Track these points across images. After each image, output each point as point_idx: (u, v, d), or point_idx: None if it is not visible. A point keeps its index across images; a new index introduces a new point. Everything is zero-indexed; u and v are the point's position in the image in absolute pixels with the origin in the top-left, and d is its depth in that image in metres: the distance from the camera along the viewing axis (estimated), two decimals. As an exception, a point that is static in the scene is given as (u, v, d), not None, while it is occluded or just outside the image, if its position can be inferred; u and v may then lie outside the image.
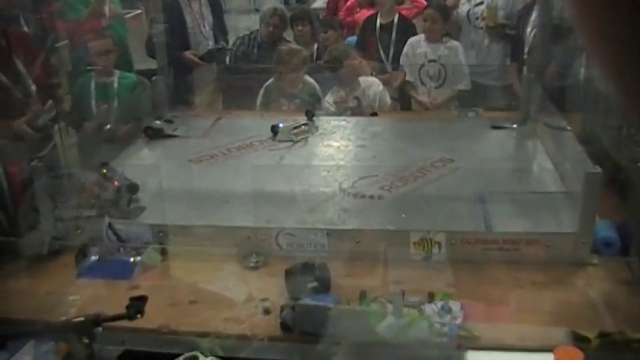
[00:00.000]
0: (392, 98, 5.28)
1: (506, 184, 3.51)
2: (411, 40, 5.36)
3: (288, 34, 6.02)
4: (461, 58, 5.27)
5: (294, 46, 5.44)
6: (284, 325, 2.46)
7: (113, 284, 2.84)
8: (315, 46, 5.86)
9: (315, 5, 8.93)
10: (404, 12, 5.83)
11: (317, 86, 5.11)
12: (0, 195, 3.45)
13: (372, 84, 5.11)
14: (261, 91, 5.17)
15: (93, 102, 4.70)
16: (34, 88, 3.98)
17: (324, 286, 2.66)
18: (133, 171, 3.47)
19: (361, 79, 5.12)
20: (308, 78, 5.10)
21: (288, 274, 2.71)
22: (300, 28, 5.88)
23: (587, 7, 0.52)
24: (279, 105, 5.05)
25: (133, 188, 3.31)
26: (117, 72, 4.81)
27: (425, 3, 5.90)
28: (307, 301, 2.48)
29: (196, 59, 5.69)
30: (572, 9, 0.53)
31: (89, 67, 4.79)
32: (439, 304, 2.52)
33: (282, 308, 2.50)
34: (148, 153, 4.18)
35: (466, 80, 5.27)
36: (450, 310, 2.48)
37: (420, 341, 2.40)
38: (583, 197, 2.84)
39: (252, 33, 5.95)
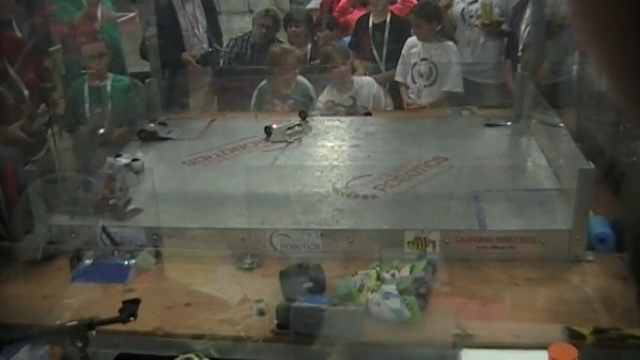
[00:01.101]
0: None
1: (500, 182, 3.51)
2: (409, 40, 5.36)
3: (282, 36, 6.03)
4: (452, 59, 5.25)
5: (286, 46, 5.44)
6: (280, 326, 2.46)
7: (108, 288, 2.84)
8: (309, 46, 5.86)
9: (310, 6, 8.93)
10: (396, 11, 5.82)
11: (310, 86, 5.11)
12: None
13: (366, 84, 5.11)
14: (255, 93, 5.17)
15: (87, 105, 4.69)
16: (26, 93, 3.97)
17: (318, 287, 2.66)
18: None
19: (355, 78, 5.11)
20: (301, 78, 5.10)
21: (283, 275, 2.71)
22: (293, 29, 5.88)
23: (587, 3, 0.52)
24: (272, 106, 5.04)
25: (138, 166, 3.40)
26: (110, 75, 4.79)
27: (415, 2, 5.89)
28: (301, 303, 2.48)
29: (193, 61, 5.69)
30: (572, 5, 0.53)
31: (83, 71, 4.78)
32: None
33: (278, 309, 2.49)
34: (142, 155, 4.17)
35: (457, 82, 5.23)
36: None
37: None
38: (577, 194, 2.85)
39: (245, 35, 5.94)
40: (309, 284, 2.64)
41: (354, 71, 5.25)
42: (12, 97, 3.92)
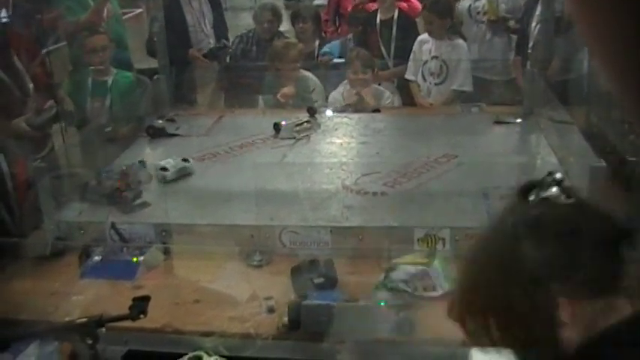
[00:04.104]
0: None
1: (510, 179, 3.47)
2: (420, 37, 5.33)
3: (290, 33, 6.03)
4: (462, 57, 5.22)
5: (289, 40, 5.44)
6: (291, 323, 2.44)
7: (117, 284, 2.83)
8: (317, 42, 5.86)
9: (317, 2, 8.92)
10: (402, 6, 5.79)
11: (316, 81, 5.10)
12: (4, 195, 3.45)
13: (381, 93, 5.08)
14: (262, 88, 5.19)
15: (89, 99, 4.69)
16: (31, 86, 3.97)
17: (330, 283, 2.65)
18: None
19: (369, 89, 5.04)
20: (304, 72, 5.11)
21: (295, 271, 2.70)
22: (301, 25, 5.88)
23: (589, 8, 0.51)
24: (278, 101, 5.02)
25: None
26: (114, 70, 4.79)
27: (419, 6, 5.80)
28: (312, 300, 2.47)
29: (201, 57, 5.69)
30: (574, 10, 0.52)
31: (91, 67, 4.77)
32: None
33: (290, 307, 2.47)
34: (150, 152, 4.17)
35: (466, 80, 5.20)
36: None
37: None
38: (587, 191, 2.82)
39: (250, 31, 5.94)
40: (320, 280, 2.63)
41: (374, 81, 5.19)
42: (17, 90, 3.92)
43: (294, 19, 5.95)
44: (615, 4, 0.49)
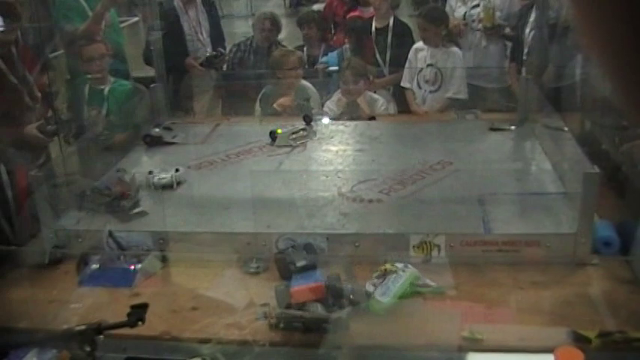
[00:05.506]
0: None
1: (505, 186, 3.51)
2: (415, 45, 5.37)
3: (295, 37, 6.09)
4: (458, 65, 5.25)
5: (287, 48, 5.49)
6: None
7: (114, 292, 2.84)
8: (323, 47, 5.92)
9: (315, 7, 8.96)
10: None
11: (310, 87, 5.13)
12: (3, 204, 3.46)
13: (375, 101, 5.11)
14: (259, 97, 5.20)
15: (86, 108, 4.71)
16: (39, 95, 4.01)
17: (311, 265, 2.71)
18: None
19: (363, 97, 5.07)
20: (302, 82, 5.14)
21: (278, 258, 2.77)
22: (306, 30, 5.95)
23: (589, 7, 0.52)
24: (276, 110, 5.05)
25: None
26: (112, 79, 4.81)
27: None
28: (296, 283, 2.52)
29: (198, 65, 5.72)
30: (574, 9, 0.53)
31: (89, 76, 4.79)
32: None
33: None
34: (147, 160, 4.19)
35: (461, 88, 5.23)
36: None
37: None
38: (582, 197, 2.84)
39: (247, 39, 5.99)
40: (302, 263, 2.67)
41: (370, 89, 5.22)
42: (27, 97, 3.95)
43: (301, 24, 6.01)
44: (616, 6, 0.49)
